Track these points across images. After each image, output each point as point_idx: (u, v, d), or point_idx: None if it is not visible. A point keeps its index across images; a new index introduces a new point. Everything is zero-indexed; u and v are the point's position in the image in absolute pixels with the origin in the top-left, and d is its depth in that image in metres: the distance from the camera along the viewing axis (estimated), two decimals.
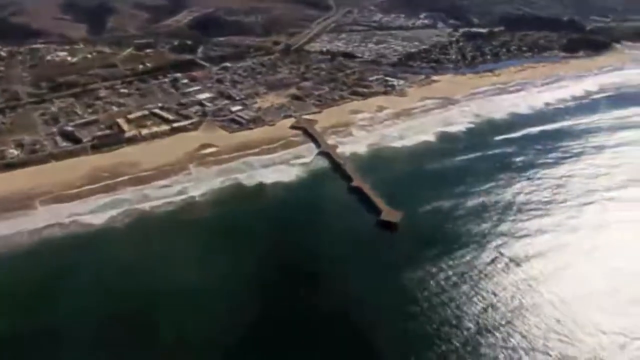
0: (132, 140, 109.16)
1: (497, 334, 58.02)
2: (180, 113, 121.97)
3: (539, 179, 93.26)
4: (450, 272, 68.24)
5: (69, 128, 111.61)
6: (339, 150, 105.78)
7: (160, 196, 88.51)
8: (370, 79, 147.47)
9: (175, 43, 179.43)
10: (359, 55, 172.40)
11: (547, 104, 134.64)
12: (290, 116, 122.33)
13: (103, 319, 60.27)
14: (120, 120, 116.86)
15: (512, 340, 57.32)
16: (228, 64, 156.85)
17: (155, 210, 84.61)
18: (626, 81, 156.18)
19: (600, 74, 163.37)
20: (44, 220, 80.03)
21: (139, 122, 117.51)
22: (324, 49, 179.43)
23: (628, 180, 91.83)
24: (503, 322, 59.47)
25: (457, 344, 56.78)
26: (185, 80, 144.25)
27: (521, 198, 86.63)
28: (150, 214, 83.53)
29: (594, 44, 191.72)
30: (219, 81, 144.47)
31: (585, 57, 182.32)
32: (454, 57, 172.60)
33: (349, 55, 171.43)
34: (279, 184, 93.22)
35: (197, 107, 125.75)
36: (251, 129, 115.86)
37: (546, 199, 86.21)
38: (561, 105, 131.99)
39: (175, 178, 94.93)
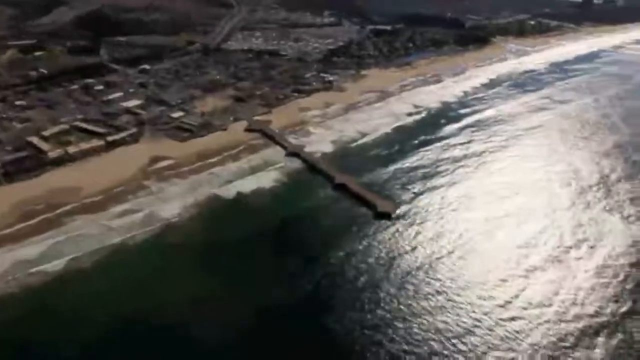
0: (58, 162, 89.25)
1: None
2: (110, 124, 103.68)
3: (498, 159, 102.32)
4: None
5: None
6: (306, 149, 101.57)
7: (126, 225, 73.81)
8: (306, 76, 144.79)
9: (68, 44, 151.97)
10: (284, 53, 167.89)
11: (466, 93, 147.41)
12: (240, 119, 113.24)
13: None
14: (34, 139, 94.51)
15: None
16: (147, 66, 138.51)
17: (128, 243, 69.98)
18: (513, 70, 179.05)
19: (492, 64, 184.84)
20: None
21: (59, 138, 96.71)
22: (245, 48, 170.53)
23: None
24: None
25: None
26: (101, 87, 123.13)
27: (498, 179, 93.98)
28: (123, 249, 68.74)
29: (477, 38, 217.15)
30: (142, 85, 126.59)
31: (474, 50, 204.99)
32: (372, 52, 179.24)
33: (274, 54, 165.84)
34: (260, 192, 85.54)
35: (127, 117, 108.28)
36: (203, 135, 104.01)
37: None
38: (480, 94, 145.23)
39: (135, 200, 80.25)
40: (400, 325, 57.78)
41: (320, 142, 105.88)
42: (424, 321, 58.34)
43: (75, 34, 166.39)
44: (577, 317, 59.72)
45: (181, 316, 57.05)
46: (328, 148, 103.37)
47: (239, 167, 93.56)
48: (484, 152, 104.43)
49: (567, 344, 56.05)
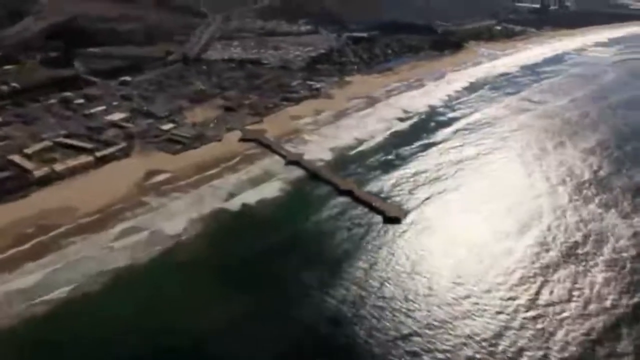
0: (45, 181, 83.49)
1: None
2: (96, 139, 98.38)
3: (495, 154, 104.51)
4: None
5: None
6: (305, 158, 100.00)
7: (129, 245, 69.50)
8: (293, 84, 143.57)
9: (39, 57, 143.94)
10: (266, 61, 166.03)
11: (450, 97, 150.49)
12: (233, 129, 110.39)
13: None
14: (16, 158, 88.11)
15: None
16: (127, 78, 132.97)
17: (134, 264, 65.59)
18: (488, 74, 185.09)
19: (469, 68, 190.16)
20: None
21: (43, 156, 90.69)
22: (225, 57, 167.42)
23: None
24: None
25: None
26: (81, 100, 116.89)
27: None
28: (130, 271, 64.27)
29: (451, 44, 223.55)
30: (126, 98, 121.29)
31: (449, 54, 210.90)
32: (353, 59, 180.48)
33: (256, 62, 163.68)
34: (266, 202, 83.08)
35: (114, 130, 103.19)
36: (196, 147, 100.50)
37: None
38: (464, 98, 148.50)
39: (136, 218, 76.02)
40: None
41: (318, 150, 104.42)
42: (459, 326, 58.05)
43: (45, 45, 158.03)
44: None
45: (211, 345, 53.61)
46: (327, 156, 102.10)
47: (239, 178, 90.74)
48: (478, 154, 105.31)
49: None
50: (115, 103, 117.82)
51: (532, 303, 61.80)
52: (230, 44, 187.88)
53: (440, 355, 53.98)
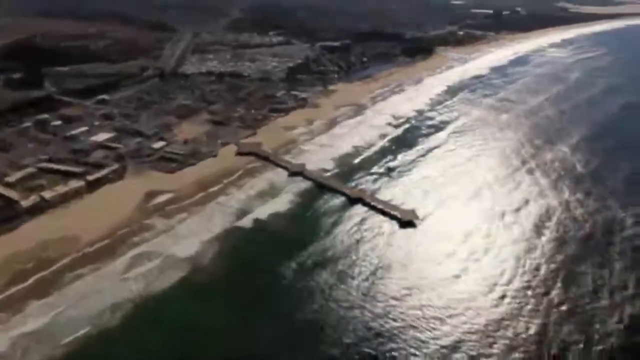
0: (35, 210, 76.62)
1: None
2: (84, 162, 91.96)
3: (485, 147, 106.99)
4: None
5: None
6: (307, 168, 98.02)
7: (143, 272, 64.76)
8: (278, 95, 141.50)
9: (2, 77, 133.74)
10: (245, 74, 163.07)
11: (433, 100, 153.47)
12: (227, 143, 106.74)
13: None
14: None
15: None
16: (105, 96, 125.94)
17: (152, 293, 60.68)
18: (463, 77, 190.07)
19: (443, 73, 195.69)
20: None
21: (27, 184, 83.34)
22: (203, 70, 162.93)
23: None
24: None
25: None
26: (58, 122, 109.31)
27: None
28: (149, 301, 59.42)
29: (422, 50, 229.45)
30: (107, 117, 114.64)
31: (422, 60, 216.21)
32: (331, 68, 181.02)
33: (235, 75, 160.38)
34: (279, 216, 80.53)
35: (102, 152, 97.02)
36: (193, 164, 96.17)
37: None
38: (447, 102, 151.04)
39: (145, 243, 70.97)
40: None
41: (318, 160, 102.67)
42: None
43: (6, 65, 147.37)
44: None
45: None
46: (329, 165, 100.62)
47: (246, 193, 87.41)
48: (476, 155, 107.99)
49: None
50: (96, 123, 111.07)
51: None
52: (205, 57, 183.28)
53: None
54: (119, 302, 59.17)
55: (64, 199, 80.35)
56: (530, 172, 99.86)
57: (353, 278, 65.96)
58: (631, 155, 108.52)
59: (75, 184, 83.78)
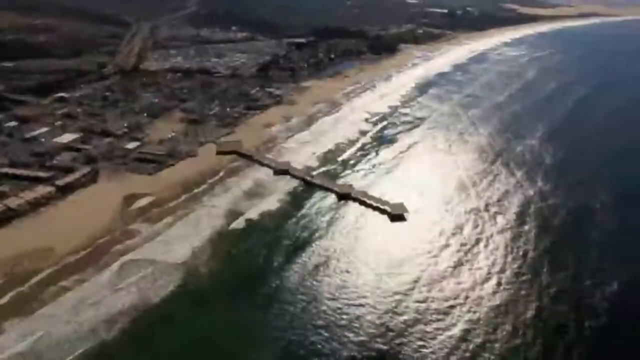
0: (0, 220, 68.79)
1: None
2: (50, 166, 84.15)
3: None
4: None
5: None
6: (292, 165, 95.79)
7: (136, 281, 60.35)
8: (252, 92, 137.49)
9: None
10: (214, 70, 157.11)
11: (404, 96, 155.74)
12: (206, 142, 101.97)
13: None
14: None
15: None
16: (64, 94, 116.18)
17: (149, 304, 56.58)
18: (428, 73, 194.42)
19: (409, 69, 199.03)
20: None
21: None
22: (167, 67, 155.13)
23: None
24: None
25: None
26: (13, 123, 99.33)
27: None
28: (148, 313, 55.32)
29: (387, 47, 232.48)
30: (70, 116, 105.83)
31: (387, 57, 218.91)
32: (300, 64, 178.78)
33: (204, 72, 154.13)
34: (270, 215, 77.99)
35: (69, 154, 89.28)
36: (172, 165, 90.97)
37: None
38: (418, 98, 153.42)
39: (132, 251, 65.83)
40: None
41: (301, 157, 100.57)
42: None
43: None
44: None
45: None
46: (313, 162, 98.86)
47: (232, 193, 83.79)
48: (454, 151, 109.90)
49: None
50: (58, 123, 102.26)
51: None
52: (167, 53, 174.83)
53: None
54: (112, 313, 54.55)
55: (34, 206, 73.09)
56: (505, 164, 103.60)
57: (349, 271, 65.19)
58: (595, 145, 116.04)
59: (43, 190, 76.47)
